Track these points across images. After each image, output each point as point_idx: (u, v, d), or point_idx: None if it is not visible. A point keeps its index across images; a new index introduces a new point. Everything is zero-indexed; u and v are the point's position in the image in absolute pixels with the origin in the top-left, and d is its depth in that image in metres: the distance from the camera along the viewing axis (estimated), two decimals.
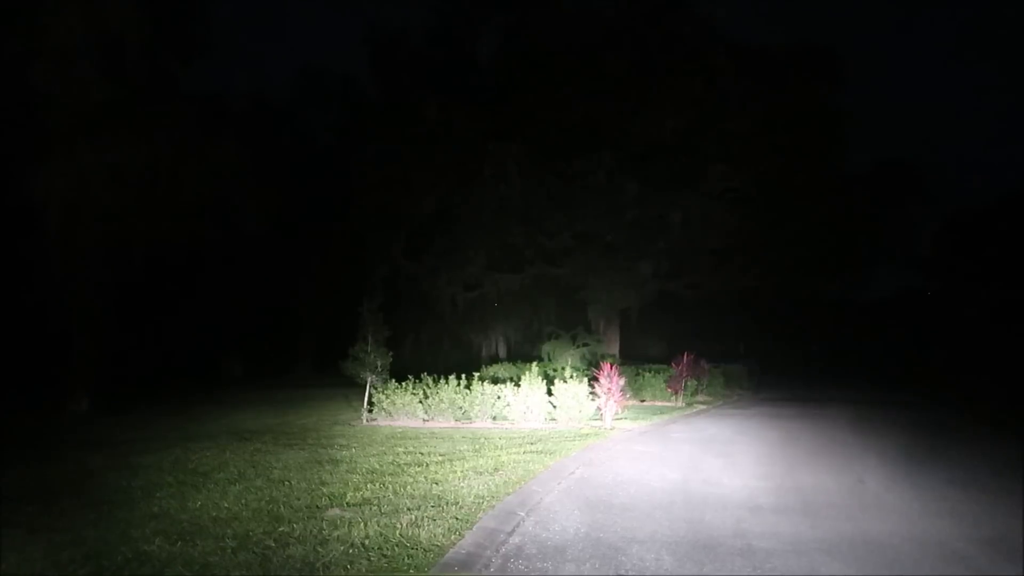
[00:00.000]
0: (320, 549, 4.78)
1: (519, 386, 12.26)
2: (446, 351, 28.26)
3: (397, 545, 4.87)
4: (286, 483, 6.96)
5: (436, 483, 6.95)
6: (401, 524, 5.37)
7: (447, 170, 22.71)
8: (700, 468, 8.08)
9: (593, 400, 12.16)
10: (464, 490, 6.59)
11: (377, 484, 6.87)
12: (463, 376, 12.66)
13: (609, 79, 21.51)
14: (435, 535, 5.10)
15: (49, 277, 15.50)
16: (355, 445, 9.55)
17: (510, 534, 5.28)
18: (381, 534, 5.11)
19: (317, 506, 6.01)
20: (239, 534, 5.16)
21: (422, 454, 8.72)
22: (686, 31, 22.14)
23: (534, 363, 15.60)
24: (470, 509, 5.86)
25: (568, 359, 20.93)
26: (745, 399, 19.09)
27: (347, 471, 7.59)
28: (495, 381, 13.00)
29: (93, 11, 13.86)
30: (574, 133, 22.13)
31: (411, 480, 7.09)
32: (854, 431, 11.70)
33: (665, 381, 16.80)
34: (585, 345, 23.80)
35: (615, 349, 24.92)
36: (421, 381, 12.69)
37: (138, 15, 14.46)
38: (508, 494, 6.43)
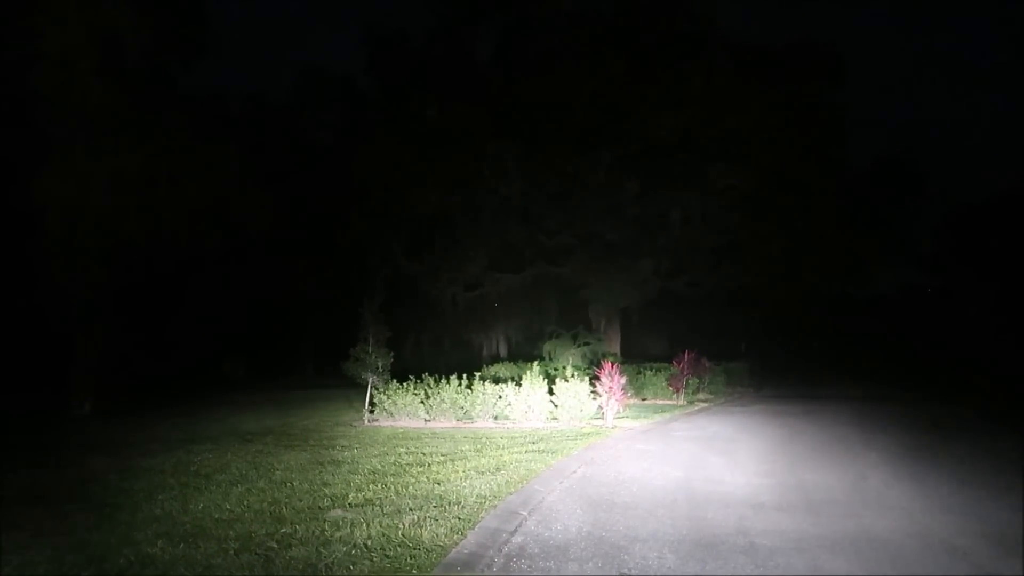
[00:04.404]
0: (323, 550, 4.78)
1: (520, 386, 12.27)
2: (447, 351, 28.30)
3: (399, 545, 4.87)
4: (288, 484, 6.97)
5: (438, 483, 6.95)
6: (403, 524, 5.37)
7: (447, 170, 22.69)
8: (702, 466, 8.08)
9: (594, 399, 12.15)
10: (466, 490, 6.59)
11: (379, 485, 6.88)
12: (464, 376, 12.66)
13: (608, 78, 21.49)
14: (437, 535, 5.11)
15: (51, 280, 15.51)
16: (357, 446, 9.56)
17: (512, 533, 5.28)
18: (383, 535, 5.12)
19: (319, 507, 6.02)
20: (241, 536, 5.16)
21: (424, 454, 8.73)
22: (685, 29, 22.13)
23: (535, 362, 15.62)
24: (472, 509, 5.86)
25: (569, 358, 20.95)
26: (747, 397, 19.08)
27: (349, 472, 7.60)
28: (496, 381, 13.00)
29: (93, 13, 13.86)
30: (573, 132, 22.11)
31: (413, 480, 7.10)
32: (856, 428, 11.69)
33: (666, 379, 16.80)
34: (586, 344, 23.79)
35: (616, 348, 24.91)
36: (422, 381, 12.69)
37: (138, 17, 14.46)
38: (510, 493, 6.44)
